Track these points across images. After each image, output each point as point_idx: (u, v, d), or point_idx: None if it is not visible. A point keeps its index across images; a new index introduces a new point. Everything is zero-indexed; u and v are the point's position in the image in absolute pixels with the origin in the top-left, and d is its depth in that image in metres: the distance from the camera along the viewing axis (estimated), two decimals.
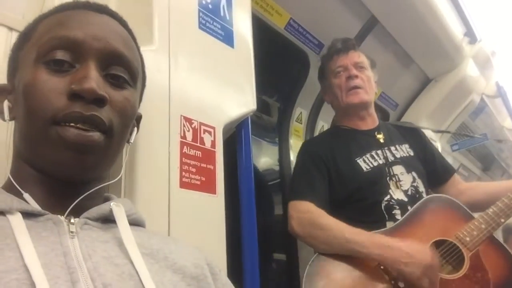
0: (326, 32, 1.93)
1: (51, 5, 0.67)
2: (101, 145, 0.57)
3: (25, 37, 0.63)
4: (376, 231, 1.32)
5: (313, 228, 1.33)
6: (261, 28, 1.65)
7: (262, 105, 2.03)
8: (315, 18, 1.91)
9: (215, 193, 0.98)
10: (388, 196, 1.42)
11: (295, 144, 2.06)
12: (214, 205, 0.98)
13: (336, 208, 1.38)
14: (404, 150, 1.57)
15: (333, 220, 1.32)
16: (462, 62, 2.62)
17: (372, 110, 1.64)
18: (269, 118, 2.09)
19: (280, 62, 2.03)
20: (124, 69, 0.62)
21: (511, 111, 3.26)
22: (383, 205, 1.41)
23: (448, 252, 1.30)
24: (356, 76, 1.56)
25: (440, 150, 2.76)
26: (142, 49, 0.91)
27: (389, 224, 1.37)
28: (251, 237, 1.09)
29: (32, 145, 0.58)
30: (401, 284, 1.21)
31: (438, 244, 1.31)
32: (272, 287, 1.98)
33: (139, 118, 0.73)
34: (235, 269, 0.99)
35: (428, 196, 1.46)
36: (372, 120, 1.63)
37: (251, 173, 1.14)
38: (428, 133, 2.50)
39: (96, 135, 0.57)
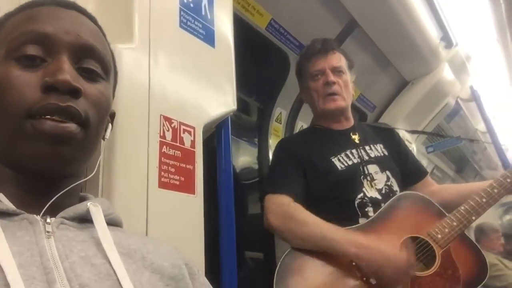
0: (307, 33, 1.94)
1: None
2: (77, 136, 0.57)
3: None
4: (349, 227, 1.33)
5: (289, 222, 1.32)
6: (242, 28, 1.65)
7: (241, 105, 2.03)
8: (296, 19, 1.92)
9: (194, 193, 0.98)
10: (362, 194, 1.43)
11: (274, 144, 2.07)
12: (193, 205, 0.97)
13: (310, 205, 1.37)
14: (378, 149, 1.59)
15: (310, 215, 1.32)
16: (439, 65, 2.68)
17: (349, 112, 1.64)
18: (248, 118, 2.10)
19: (261, 62, 2.03)
20: (96, 62, 0.62)
21: (484, 115, 3.34)
22: (356, 202, 1.42)
23: (419, 249, 1.31)
24: (334, 83, 1.54)
25: (415, 151, 2.82)
26: (121, 46, 0.91)
27: (362, 221, 1.38)
28: (229, 237, 1.09)
29: (6, 141, 0.56)
30: (372, 281, 1.22)
31: (410, 241, 1.32)
32: (249, 286, 1.98)
33: (113, 115, 0.72)
34: (213, 269, 0.99)
35: (401, 193, 1.48)
36: (347, 121, 1.64)
37: (231, 174, 1.14)
38: (404, 135, 2.55)
39: (72, 126, 0.56)
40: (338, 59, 1.60)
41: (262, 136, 2.06)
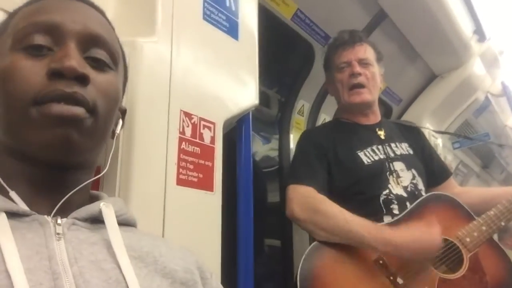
0: (333, 24, 1.88)
1: None
2: (86, 122, 0.55)
3: (1, 29, 0.62)
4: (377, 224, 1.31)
5: (314, 213, 1.30)
6: (266, 18, 1.61)
7: (262, 97, 2.00)
8: (323, 10, 1.87)
9: (212, 191, 0.97)
10: (387, 191, 1.41)
11: (295, 137, 2.04)
12: (211, 202, 0.96)
13: (334, 199, 1.35)
14: (403, 148, 1.56)
15: (336, 207, 1.30)
16: (470, 60, 2.58)
17: (376, 107, 1.61)
18: (268, 111, 2.07)
19: (285, 53, 2.00)
20: (104, 52, 0.61)
21: None
22: (381, 198, 1.39)
23: (447, 251, 1.29)
24: (360, 74, 1.51)
25: (441, 146, 2.75)
26: (143, 40, 0.89)
27: (386, 218, 1.36)
28: (247, 235, 1.07)
29: (14, 130, 0.56)
30: (399, 280, 1.20)
31: None
32: (266, 273, 1.99)
33: (124, 112, 0.71)
34: (229, 267, 0.98)
35: (430, 194, 1.46)
36: (374, 116, 1.61)
37: (251, 170, 1.12)
38: (430, 130, 2.49)
39: (80, 110, 0.54)
40: (365, 51, 1.57)
41: (284, 129, 2.03)
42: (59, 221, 0.54)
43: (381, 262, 1.22)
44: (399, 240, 1.21)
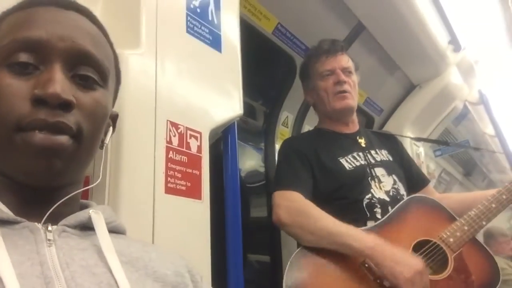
0: (314, 37, 1.92)
1: None
2: (69, 149, 0.55)
3: None
4: (360, 228, 1.31)
5: (301, 217, 1.30)
6: (248, 32, 1.65)
7: (248, 109, 2.03)
8: (303, 24, 1.92)
9: (200, 199, 0.98)
10: (370, 195, 1.43)
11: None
12: (199, 210, 0.97)
13: (317, 204, 1.35)
14: (383, 154, 1.59)
15: (321, 211, 1.30)
16: (446, 69, 2.66)
17: (355, 115, 1.65)
18: (255, 122, 2.10)
19: (267, 66, 2.03)
20: (93, 69, 0.59)
21: (493, 118, 3.31)
22: (364, 203, 1.41)
23: (431, 252, 1.31)
24: (345, 82, 1.55)
25: (423, 155, 2.80)
26: (128, 52, 0.91)
27: (370, 223, 1.37)
28: (236, 242, 1.09)
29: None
30: (386, 283, 1.20)
31: (421, 244, 1.32)
32: None
33: (115, 117, 0.70)
34: (219, 274, 0.98)
35: (411, 196, 1.48)
36: (353, 125, 1.64)
37: (237, 179, 1.14)
38: (410, 136, 2.54)
39: (63, 139, 0.54)
40: (347, 60, 1.60)
41: (269, 140, 2.06)
42: (49, 228, 0.54)
43: (366, 265, 1.24)
44: (388, 245, 1.22)
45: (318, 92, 1.60)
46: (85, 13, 0.63)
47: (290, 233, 1.36)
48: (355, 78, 1.61)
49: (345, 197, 1.42)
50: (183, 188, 0.94)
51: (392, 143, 1.72)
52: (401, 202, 1.41)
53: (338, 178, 1.44)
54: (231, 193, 1.10)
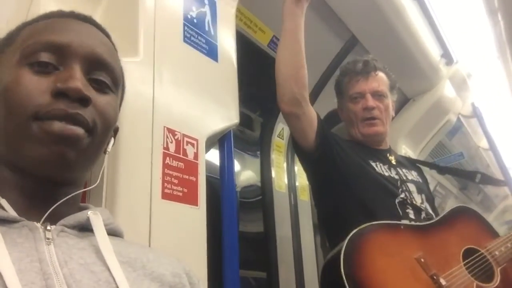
0: (308, 50, 1.96)
1: (36, 14, 0.67)
2: (84, 142, 0.57)
3: (7, 42, 0.63)
4: (411, 223, 1.32)
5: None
6: (245, 44, 1.67)
7: (245, 120, 2.05)
8: None
9: (197, 205, 0.98)
10: (403, 195, 1.42)
11: (276, 159, 2.07)
12: (196, 216, 0.98)
13: (350, 202, 1.36)
14: (414, 175, 1.59)
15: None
16: (439, 82, 2.69)
17: (387, 136, 1.62)
18: (252, 133, 2.11)
19: (263, 78, 2.05)
20: (106, 75, 0.63)
21: (487, 132, 3.34)
22: (397, 201, 1.40)
23: (479, 261, 1.32)
24: (373, 108, 1.51)
25: None
26: (126, 60, 0.92)
27: (404, 222, 1.36)
28: (232, 249, 1.09)
29: (12, 142, 0.57)
30: (442, 281, 1.19)
31: (469, 251, 1.34)
32: None
33: (116, 130, 0.73)
34: (215, 281, 0.98)
35: (459, 205, 1.51)
36: (385, 144, 1.63)
37: (234, 186, 1.15)
38: (407, 151, 2.55)
39: (80, 130, 0.57)
40: (379, 82, 1.56)
41: (264, 150, 2.07)
42: (48, 227, 0.55)
43: (422, 260, 1.21)
44: None
45: (348, 114, 1.59)
46: (101, 28, 0.68)
47: (277, 69, 1.36)
48: (388, 101, 1.57)
49: (376, 194, 1.40)
50: (180, 194, 0.95)
51: (418, 170, 1.72)
52: (451, 208, 1.43)
53: (371, 178, 1.42)
54: (228, 200, 1.11)
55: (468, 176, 2.05)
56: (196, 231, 0.97)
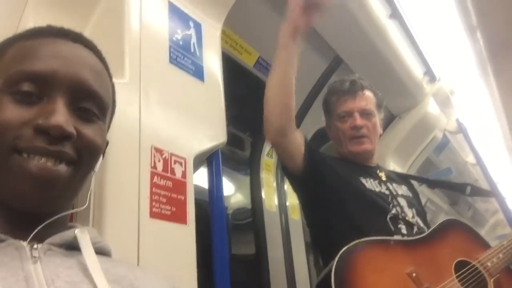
0: None
1: (25, 27, 0.67)
2: (65, 178, 0.57)
3: None
4: (404, 238, 1.32)
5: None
6: (232, 66, 1.70)
7: (235, 140, 2.06)
8: None
9: (185, 223, 0.98)
10: (395, 211, 1.42)
11: (266, 179, 2.08)
12: (185, 235, 0.98)
13: (340, 216, 1.35)
14: (404, 189, 1.59)
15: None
16: (424, 99, 2.75)
17: (375, 153, 1.63)
18: (242, 153, 2.12)
19: (251, 98, 2.07)
20: (94, 103, 0.62)
21: (473, 147, 3.39)
22: (388, 216, 1.40)
23: (472, 273, 1.32)
24: (361, 126, 1.52)
25: None
26: (113, 81, 0.94)
27: (397, 237, 1.35)
28: (223, 268, 1.08)
29: None
30: None
31: (461, 264, 1.33)
32: None
33: (106, 144, 0.72)
34: None
35: (449, 218, 1.51)
36: (373, 160, 1.64)
37: (223, 204, 1.15)
38: (395, 167, 2.58)
39: (62, 169, 0.56)
40: (366, 101, 1.57)
41: (254, 170, 2.08)
42: (35, 246, 0.55)
43: (414, 274, 1.21)
44: None
45: (336, 132, 1.60)
46: (91, 46, 0.66)
47: (268, 114, 1.35)
48: (375, 119, 1.58)
49: (367, 208, 1.40)
50: (168, 212, 0.95)
51: (409, 184, 1.72)
52: (440, 222, 1.42)
53: (362, 195, 1.42)
54: (217, 218, 1.11)
55: (458, 189, 2.06)
56: (185, 250, 0.96)
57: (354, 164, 1.58)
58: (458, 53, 2.60)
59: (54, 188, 0.56)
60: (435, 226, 1.41)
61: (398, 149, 2.81)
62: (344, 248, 1.17)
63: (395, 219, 1.40)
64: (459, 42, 2.42)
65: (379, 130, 1.61)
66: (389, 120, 2.86)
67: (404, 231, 1.39)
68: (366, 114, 1.55)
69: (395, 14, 2.12)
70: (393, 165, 2.70)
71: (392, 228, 1.38)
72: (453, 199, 4.47)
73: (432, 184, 2.36)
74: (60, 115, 0.55)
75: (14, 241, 0.54)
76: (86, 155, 0.59)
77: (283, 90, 1.30)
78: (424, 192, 3.66)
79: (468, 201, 4.83)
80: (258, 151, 2.11)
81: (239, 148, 2.10)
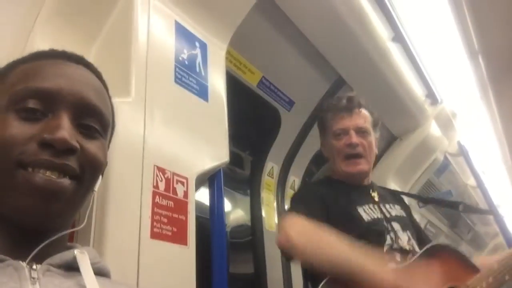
0: (297, 90, 2.01)
1: (32, 46, 0.68)
2: (69, 192, 0.57)
3: None
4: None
5: (315, 240, 1.18)
6: (235, 85, 1.71)
7: (236, 159, 2.06)
8: (286, 77, 2.00)
9: (186, 244, 0.98)
10: (390, 243, 1.39)
11: (266, 198, 2.07)
12: (185, 256, 0.97)
13: None
14: (397, 209, 1.55)
15: (340, 238, 1.19)
16: (426, 122, 2.76)
17: (370, 173, 1.59)
18: (243, 172, 2.12)
19: (253, 118, 2.09)
20: (96, 121, 0.63)
21: (474, 170, 3.39)
22: (385, 248, 1.37)
23: None
24: (357, 144, 1.48)
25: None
26: (118, 100, 0.94)
27: (390, 266, 1.31)
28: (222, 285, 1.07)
29: None
30: None
31: None
32: None
33: (104, 166, 0.72)
34: None
35: (435, 243, 1.47)
36: (367, 179, 1.60)
37: (224, 224, 1.15)
38: (396, 189, 2.57)
39: (66, 182, 0.56)
40: (363, 119, 1.54)
41: (254, 189, 2.07)
42: (34, 266, 0.55)
43: None
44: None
45: (331, 151, 1.56)
46: (92, 69, 0.68)
47: (300, 256, 1.23)
48: (371, 138, 1.54)
49: (364, 244, 1.32)
50: (169, 233, 0.94)
51: (402, 201, 1.70)
52: (426, 247, 1.38)
53: (358, 228, 1.38)
54: (217, 238, 1.10)
55: (451, 206, 2.05)
56: (185, 272, 0.96)
57: (348, 186, 1.54)
58: (460, 76, 2.61)
59: (58, 200, 0.56)
60: (422, 251, 1.37)
61: (399, 170, 2.81)
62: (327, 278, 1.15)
63: (390, 249, 1.38)
64: (461, 65, 2.43)
65: (375, 149, 1.57)
66: (391, 141, 2.87)
67: (398, 258, 1.37)
68: (362, 132, 1.51)
69: (398, 37, 2.14)
70: (394, 187, 2.69)
71: (388, 258, 1.35)
72: (453, 221, 4.45)
73: (424, 201, 2.36)
74: (65, 130, 0.56)
75: (13, 262, 0.54)
76: (88, 170, 0.60)
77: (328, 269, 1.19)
78: (425, 214, 3.65)
79: (468, 224, 4.80)
80: (259, 170, 2.11)
81: (239, 167, 2.10)
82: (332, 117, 1.55)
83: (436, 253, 1.39)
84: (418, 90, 2.51)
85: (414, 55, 2.31)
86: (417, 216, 3.32)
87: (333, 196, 1.45)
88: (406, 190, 2.88)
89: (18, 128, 0.56)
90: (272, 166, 2.16)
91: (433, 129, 2.84)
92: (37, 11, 1.02)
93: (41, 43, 0.93)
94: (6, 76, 0.63)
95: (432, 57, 2.48)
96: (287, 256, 1.31)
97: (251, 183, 2.10)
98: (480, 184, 3.46)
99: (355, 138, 1.49)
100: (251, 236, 2.03)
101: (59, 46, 0.69)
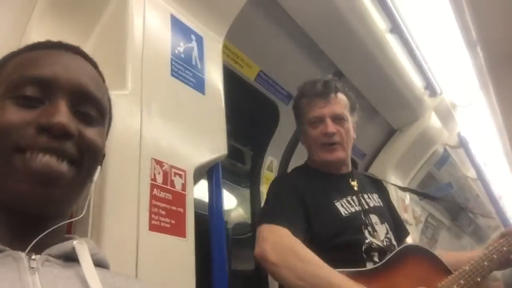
0: (295, 83, 2.00)
1: (29, 38, 0.68)
2: (68, 177, 0.57)
3: None
4: (354, 270, 1.24)
5: (291, 257, 1.15)
6: (233, 79, 1.71)
7: (237, 153, 2.06)
8: (284, 71, 2.00)
9: (184, 237, 0.98)
10: (368, 241, 1.37)
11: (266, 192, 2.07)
12: (184, 248, 0.97)
13: (312, 246, 1.25)
14: (375, 199, 1.53)
15: (311, 253, 1.18)
16: (425, 113, 2.75)
17: (348, 160, 1.55)
18: (243, 166, 2.12)
19: (252, 112, 2.08)
20: (93, 107, 0.63)
21: (474, 161, 3.38)
22: (363, 247, 1.35)
23: None
24: (334, 133, 1.43)
25: (408, 198, 2.82)
26: (115, 93, 0.94)
27: (369, 265, 1.31)
28: (222, 283, 1.07)
29: None
30: None
31: None
32: None
33: (103, 157, 0.72)
34: None
35: (407, 244, 1.45)
36: (346, 167, 1.54)
37: (222, 216, 1.14)
38: (396, 181, 2.57)
39: (64, 167, 0.56)
40: (339, 105, 1.48)
41: (254, 183, 2.07)
42: (33, 257, 0.55)
43: None
44: None
45: (307, 138, 1.52)
46: (88, 58, 0.69)
47: (275, 274, 1.22)
48: (348, 124, 1.49)
49: (342, 242, 1.34)
50: (167, 225, 0.94)
51: (381, 188, 1.68)
52: (397, 249, 1.36)
53: (335, 224, 1.36)
54: (217, 230, 1.10)
55: (431, 198, 2.04)
56: (184, 263, 0.95)
57: (327, 176, 1.50)
58: (459, 67, 2.61)
59: (57, 185, 0.56)
60: (392, 254, 1.34)
61: (399, 163, 2.81)
62: None
63: (369, 248, 1.35)
64: (459, 56, 2.43)
65: (353, 134, 1.53)
66: (390, 133, 2.87)
67: (376, 258, 1.35)
68: (338, 119, 1.45)
69: (395, 28, 2.13)
70: (395, 180, 2.69)
71: (365, 256, 1.34)
72: (454, 214, 4.45)
73: (404, 190, 2.43)
74: (62, 115, 0.57)
75: (12, 252, 0.54)
76: (87, 155, 0.60)
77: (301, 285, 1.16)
78: (425, 207, 3.65)
79: (469, 217, 4.81)
80: (259, 164, 2.11)
81: (240, 161, 2.10)
82: (307, 103, 1.49)
83: (406, 255, 1.36)
84: (417, 82, 2.51)
85: (413, 47, 2.31)
86: (418, 209, 3.34)
87: (311, 189, 1.41)
88: (406, 182, 2.89)
89: (15, 114, 0.56)
90: (271, 160, 2.16)
91: (433, 120, 2.83)
92: (33, 5, 1.02)
93: (37, 37, 0.92)
94: (3, 67, 0.63)
95: (431, 48, 2.47)
96: (262, 269, 1.29)
97: (251, 177, 2.10)
98: (480, 176, 3.46)
99: (331, 127, 1.43)
100: (252, 231, 2.03)
101: (55, 39, 0.69)
